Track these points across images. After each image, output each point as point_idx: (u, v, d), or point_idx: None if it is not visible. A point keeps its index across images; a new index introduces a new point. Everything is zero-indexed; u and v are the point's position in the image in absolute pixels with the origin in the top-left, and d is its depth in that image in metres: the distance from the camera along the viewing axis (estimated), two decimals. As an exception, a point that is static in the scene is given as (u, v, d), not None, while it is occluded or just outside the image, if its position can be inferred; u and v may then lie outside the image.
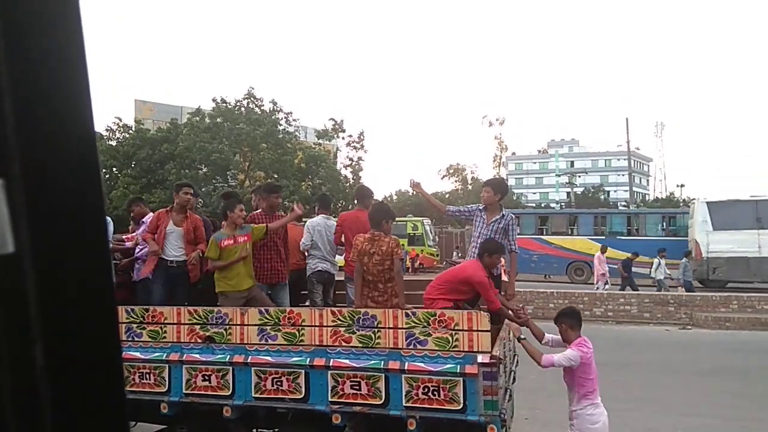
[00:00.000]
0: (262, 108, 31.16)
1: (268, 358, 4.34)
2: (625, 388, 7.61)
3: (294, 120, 32.22)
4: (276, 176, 29.26)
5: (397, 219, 6.05)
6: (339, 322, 4.29)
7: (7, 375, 0.57)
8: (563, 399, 6.90)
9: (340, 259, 6.30)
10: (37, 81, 0.59)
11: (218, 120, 30.03)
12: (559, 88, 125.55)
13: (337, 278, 6.31)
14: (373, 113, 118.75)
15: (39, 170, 0.59)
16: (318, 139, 33.31)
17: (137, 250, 6.09)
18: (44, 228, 0.59)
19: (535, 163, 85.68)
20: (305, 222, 7.09)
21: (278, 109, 31.52)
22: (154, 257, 5.66)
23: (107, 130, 31.12)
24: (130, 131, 31.27)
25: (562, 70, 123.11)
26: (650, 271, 18.19)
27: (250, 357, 4.37)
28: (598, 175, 72.88)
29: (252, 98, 31.11)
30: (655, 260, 17.87)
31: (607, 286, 16.92)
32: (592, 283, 22.01)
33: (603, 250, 17.63)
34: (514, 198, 57.54)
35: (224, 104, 30.63)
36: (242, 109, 30.69)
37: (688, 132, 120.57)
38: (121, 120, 31.71)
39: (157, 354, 4.61)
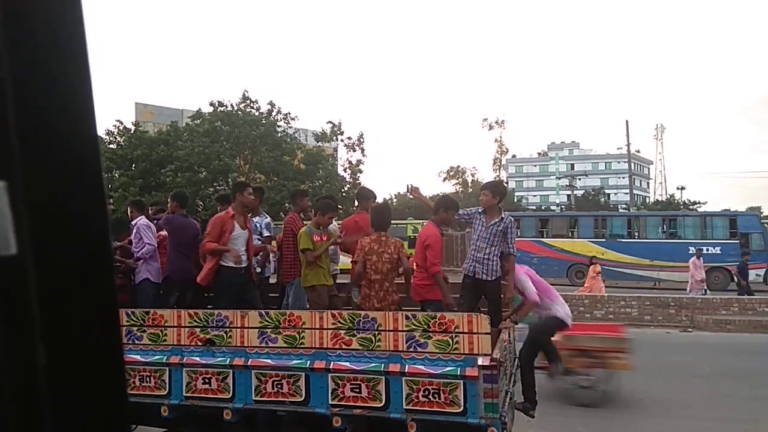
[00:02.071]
0: (259, 110, 31.18)
1: (269, 360, 4.34)
2: (626, 390, 7.60)
3: (293, 119, 32.16)
4: (276, 179, 29.29)
5: (398, 222, 6.21)
6: (339, 324, 4.29)
7: (9, 376, 0.57)
8: (565, 402, 6.90)
9: (345, 262, 6.32)
10: (39, 84, 0.60)
11: (217, 124, 30.06)
12: (559, 90, 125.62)
13: (342, 281, 6.34)
14: (373, 116, 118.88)
15: (41, 173, 0.59)
16: (317, 141, 33.29)
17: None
18: (46, 230, 0.59)
19: (535, 165, 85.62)
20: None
21: (277, 110, 31.54)
22: (214, 265, 5.39)
23: (107, 133, 31.13)
24: (130, 134, 31.28)
25: (562, 73, 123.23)
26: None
27: (250, 360, 4.37)
28: (598, 177, 72.87)
29: (248, 101, 31.14)
30: None
31: (704, 294, 15.17)
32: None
33: (699, 255, 16.01)
34: (515, 200, 57.49)
35: (221, 107, 30.67)
36: (239, 112, 30.71)
37: (689, 134, 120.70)
38: (121, 123, 31.73)
39: (157, 357, 4.61)
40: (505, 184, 6.29)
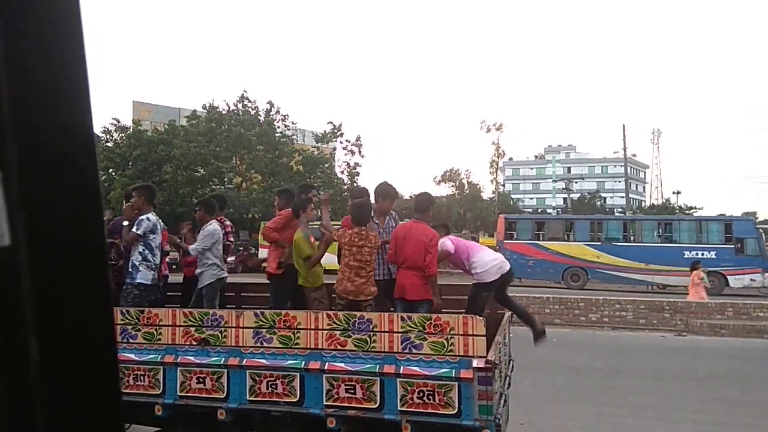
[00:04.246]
0: (257, 110, 31.21)
1: (263, 360, 4.33)
2: (620, 394, 7.62)
3: (293, 123, 32.22)
4: (272, 179, 29.25)
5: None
6: (334, 325, 4.29)
7: (1, 370, 0.57)
8: (559, 404, 6.92)
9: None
10: (36, 79, 0.60)
11: (213, 124, 30.07)
12: (556, 94, 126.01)
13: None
14: (371, 117, 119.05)
15: (37, 167, 0.59)
16: (316, 142, 33.31)
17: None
18: (41, 223, 0.59)
19: (532, 168, 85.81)
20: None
21: (276, 110, 31.55)
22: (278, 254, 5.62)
23: (104, 131, 31.04)
24: (127, 132, 31.20)
25: (559, 77, 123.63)
26: None
27: (245, 360, 4.36)
28: (594, 181, 73.16)
29: (246, 101, 31.16)
30: None
31: None
32: (588, 289, 22.09)
33: None
34: (512, 203, 57.57)
35: (215, 109, 30.70)
36: (238, 112, 30.72)
37: (685, 139, 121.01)
38: (119, 121, 31.64)
39: (151, 356, 4.59)
40: (390, 185, 6.07)
